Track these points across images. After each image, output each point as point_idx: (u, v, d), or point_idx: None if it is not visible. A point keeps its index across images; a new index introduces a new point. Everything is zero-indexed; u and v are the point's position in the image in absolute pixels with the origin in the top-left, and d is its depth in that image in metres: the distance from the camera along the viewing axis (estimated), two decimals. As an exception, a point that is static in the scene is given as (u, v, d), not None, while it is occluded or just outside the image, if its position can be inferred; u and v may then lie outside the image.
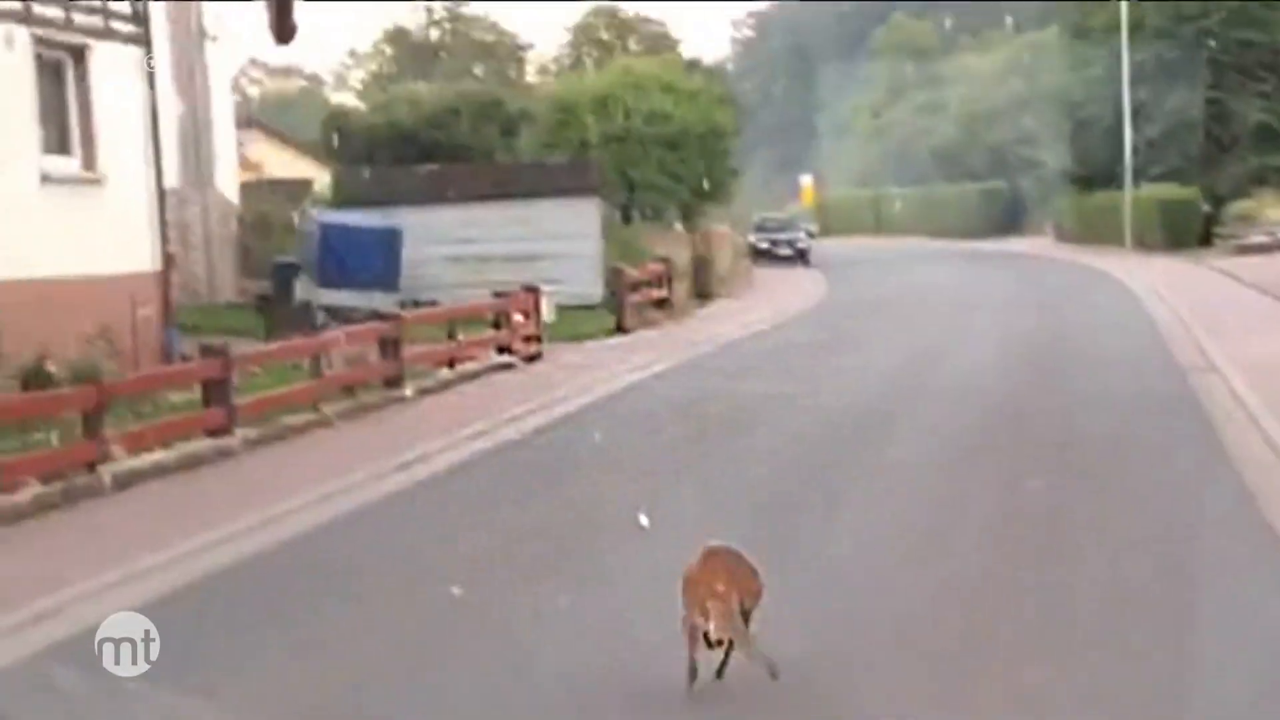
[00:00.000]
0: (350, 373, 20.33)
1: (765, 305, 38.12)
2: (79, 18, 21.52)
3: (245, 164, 44.35)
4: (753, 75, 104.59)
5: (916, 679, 8.26)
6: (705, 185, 49.85)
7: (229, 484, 15.46)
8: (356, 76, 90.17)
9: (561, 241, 35.01)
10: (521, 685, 8.36)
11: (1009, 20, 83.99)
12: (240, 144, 43.86)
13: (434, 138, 49.52)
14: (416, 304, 30.36)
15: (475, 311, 25.82)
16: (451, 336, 23.67)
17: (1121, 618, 9.31)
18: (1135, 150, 56.49)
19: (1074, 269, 48.73)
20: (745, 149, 62.85)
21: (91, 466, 14.71)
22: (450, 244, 34.69)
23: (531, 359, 25.78)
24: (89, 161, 21.81)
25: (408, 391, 21.14)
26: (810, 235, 62.41)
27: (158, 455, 15.77)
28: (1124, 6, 55.75)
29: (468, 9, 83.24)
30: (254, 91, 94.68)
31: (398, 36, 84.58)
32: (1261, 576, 10.09)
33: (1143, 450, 15.37)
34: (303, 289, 31.02)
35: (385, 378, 21.05)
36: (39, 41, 20.71)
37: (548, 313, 30.04)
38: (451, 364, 23.32)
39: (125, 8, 22.61)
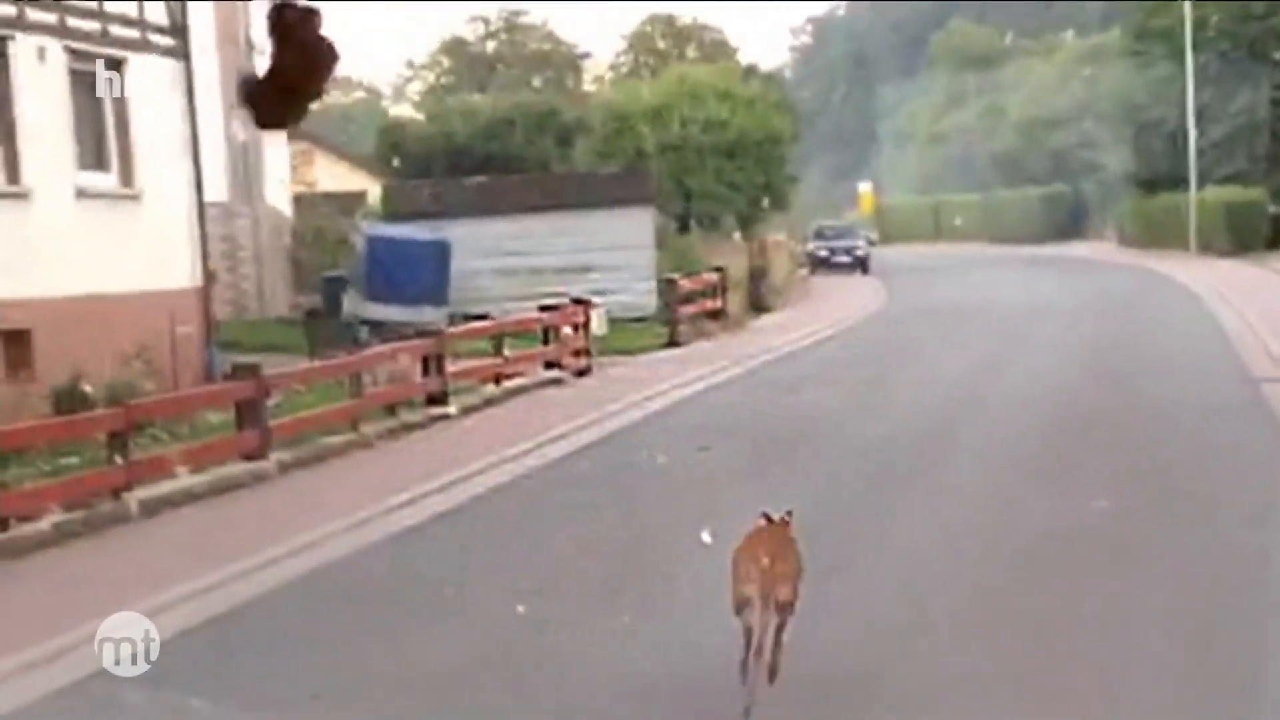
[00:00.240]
0: (391, 391, 19.77)
1: (823, 315, 37.38)
2: (115, 30, 21.10)
3: (299, 177, 44.08)
4: (811, 82, 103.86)
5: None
6: (763, 194, 49.36)
7: (260, 511, 14.92)
8: (414, 88, 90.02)
9: (614, 253, 34.44)
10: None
11: (1069, 33, 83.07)
12: (293, 157, 43.64)
13: (489, 149, 49.27)
14: (467, 318, 29.79)
15: (523, 325, 25.25)
16: (498, 351, 23.08)
17: (1193, 658, 8.66)
18: (1199, 152, 55.50)
19: (1138, 273, 47.81)
20: (803, 157, 62.28)
21: (117, 493, 14.19)
22: (500, 256, 34.18)
23: (581, 374, 25.21)
24: (126, 177, 21.38)
25: (451, 409, 20.58)
26: (870, 243, 61.59)
27: (189, 480, 15.25)
28: (1187, 7, 54.76)
29: (525, 19, 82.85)
30: (313, 105, 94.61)
31: (455, 47, 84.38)
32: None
33: (1220, 471, 14.55)
34: (350, 304, 30.58)
35: (428, 395, 20.50)
36: (74, 55, 20.27)
37: (598, 325, 29.47)
38: (498, 380, 22.74)
39: (163, 20, 22.18)
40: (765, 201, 49.79)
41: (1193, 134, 55.16)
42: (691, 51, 75.69)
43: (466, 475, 16.03)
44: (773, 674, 7.70)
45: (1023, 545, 11.94)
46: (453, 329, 23.33)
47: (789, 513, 8.19)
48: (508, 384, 22.88)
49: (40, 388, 18.60)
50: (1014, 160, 78.60)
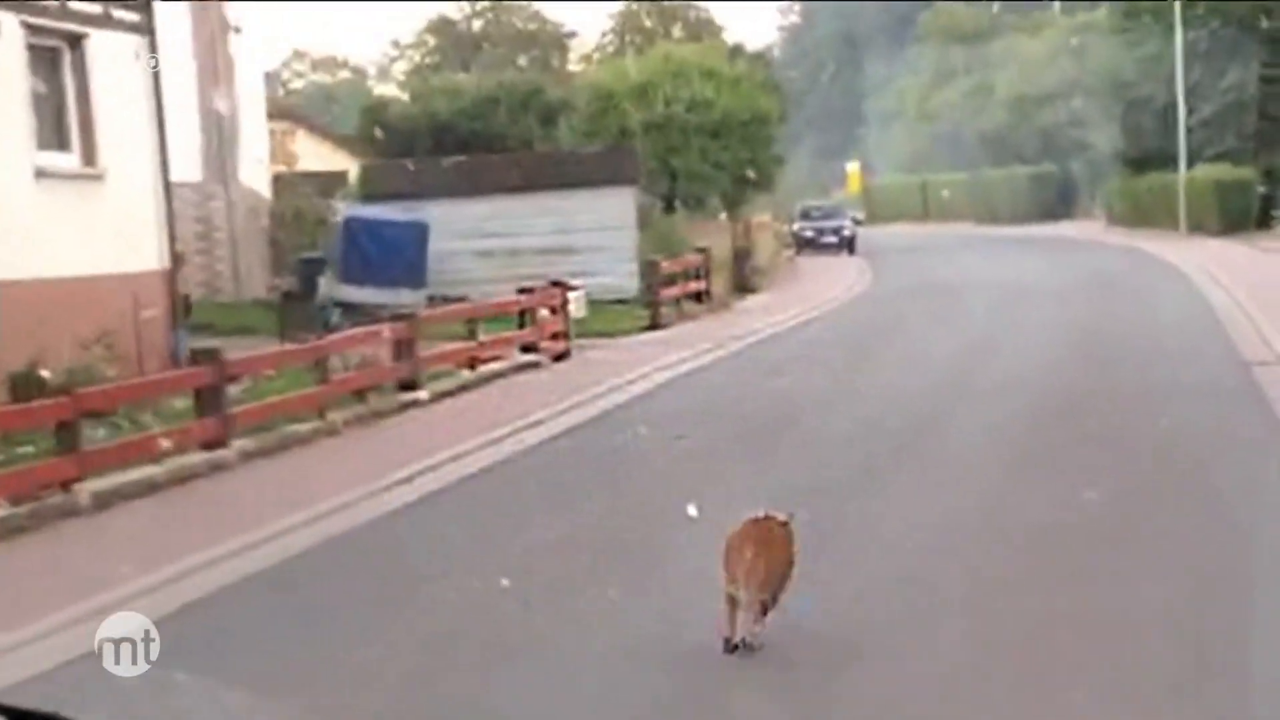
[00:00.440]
0: (360, 376, 19.19)
1: (808, 296, 36.87)
2: (76, 5, 20.43)
3: (279, 157, 43.56)
4: (799, 62, 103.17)
5: None
6: (749, 173, 48.89)
7: (216, 502, 14.35)
8: (400, 68, 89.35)
9: (595, 234, 33.88)
10: None
11: (1056, 7, 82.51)
12: (273, 136, 43.14)
13: (472, 128, 48.71)
14: (446, 300, 29.31)
15: (499, 308, 24.68)
16: (471, 335, 22.50)
17: (1186, 655, 8.15)
18: (1189, 131, 54.99)
19: (1127, 254, 47.31)
20: (791, 136, 61.73)
21: (67, 485, 13.60)
22: (480, 238, 33.63)
23: (559, 357, 24.65)
24: (89, 156, 20.71)
25: (423, 395, 20.01)
26: (856, 223, 61.10)
27: (146, 471, 14.67)
28: (1176, -16, 54.28)
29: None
30: (298, 84, 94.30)
31: (441, 27, 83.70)
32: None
33: (1211, 459, 14.01)
34: (326, 286, 30.04)
35: (399, 381, 19.92)
36: (31, 30, 19.61)
37: (579, 308, 28.95)
38: (473, 365, 22.17)
39: (127, -7, 21.54)
40: (751, 179, 49.24)
41: (1182, 111, 54.63)
42: (678, 30, 75.07)
43: (435, 464, 15.48)
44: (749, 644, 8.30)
45: (1011, 537, 11.43)
46: (424, 312, 22.70)
47: (791, 515, 8.74)
48: (483, 369, 22.29)
49: (-2, 373, 18.01)
50: (1002, 139, 78.06)
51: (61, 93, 20.47)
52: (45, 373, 17.89)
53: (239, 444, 16.13)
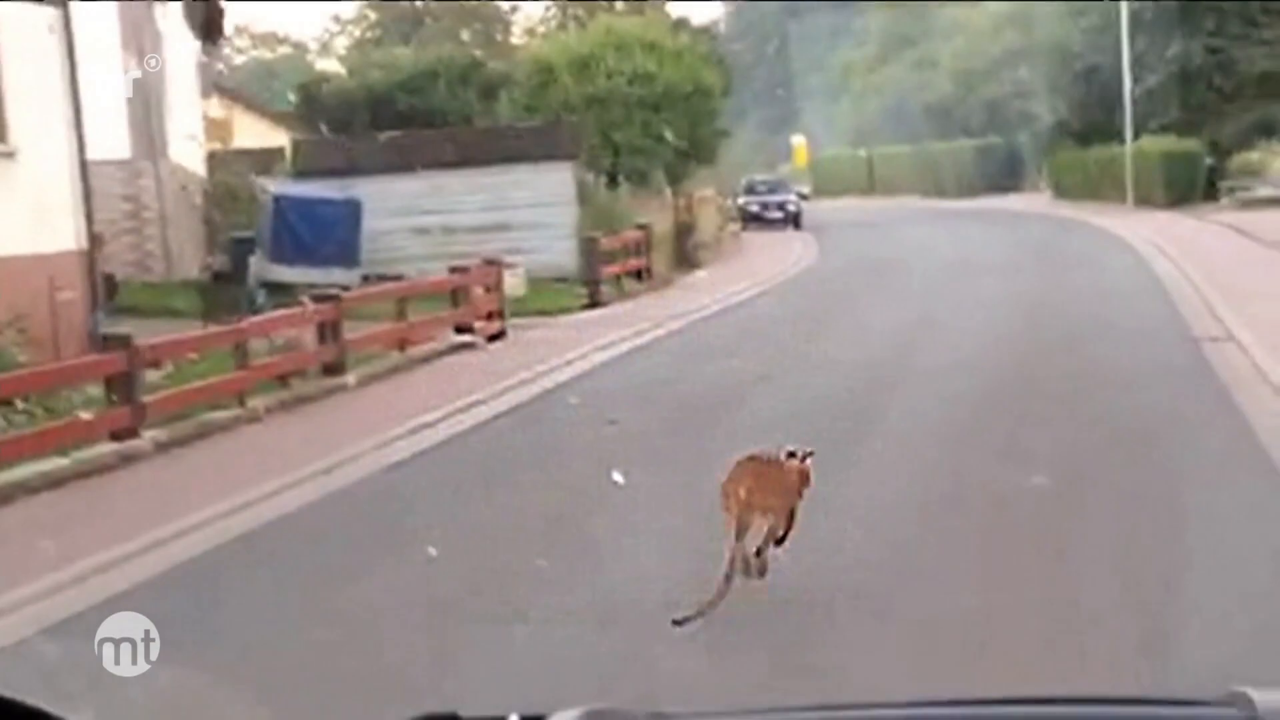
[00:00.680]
0: (282, 361, 18.48)
1: (752, 272, 36.30)
2: (-22, -28, 19.63)
3: (214, 133, 42.77)
4: (745, 35, 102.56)
5: None
6: (692, 147, 48.36)
7: (121, 497, 13.62)
8: (341, 43, 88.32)
9: (534, 210, 33.18)
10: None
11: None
12: (208, 113, 42.37)
13: (411, 104, 48.04)
14: (382, 279, 28.61)
15: (431, 288, 23.99)
16: (401, 316, 21.79)
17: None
18: (1135, 102, 54.58)
19: (1074, 227, 46.89)
20: (738, 111, 61.18)
21: (-43, 482, 12.90)
22: (416, 215, 32.90)
23: (494, 337, 23.99)
24: (-1, 134, 19.94)
25: (350, 379, 19.32)
26: (802, 197, 60.60)
27: (49, 464, 13.96)
28: (1121, -48, 53.81)
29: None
30: (239, 59, 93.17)
31: (382, 1, 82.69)
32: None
33: (1161, 442, 13.43)
34: (257, 266, 29.31)
35: (324, 364, 19.22)
36: (-72, -1, 18.83)
37: (517, 286, 28.36)
38: (403, 346, 21.48)
39: (35, -38, 20.71)
40: (694, 153, 48.66)
41: (1128, 83, 54.19)
42: (621, 4, 74.33)
43: (357, 453, 14.83)
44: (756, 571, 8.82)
45: (954, 528, 10.86)
46: (350, 293, 21.97)
47: (810, 452, 9.27)
48: (413, 351, 21.62)
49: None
50: (947, 111, 77.59)
51: (-39, 67, 19.67)
52: (-51, 360, 17.18)
53: (152, 433, 15.42)
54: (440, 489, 13.48)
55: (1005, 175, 73.57)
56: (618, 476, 11.58)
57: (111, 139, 30.97)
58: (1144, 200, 52.13)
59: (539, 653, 8.24)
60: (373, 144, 35.51)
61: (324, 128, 45.55)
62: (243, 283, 28.79)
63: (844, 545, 10.16)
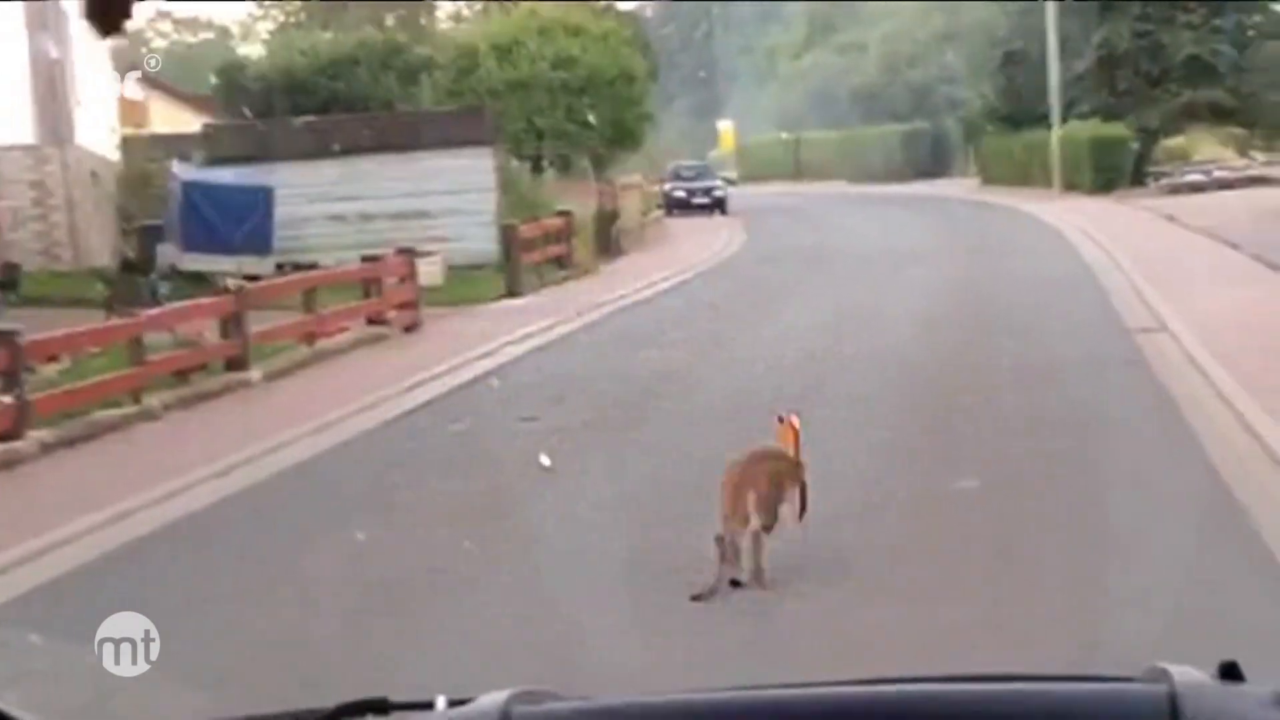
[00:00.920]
0: (180, 356, 17.68)
1: (677, 259, 35.65)
2: None
3: (128, 118, 41.81)
4: (673, 20, 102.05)
5: None
6: (617, 133, 47.82)
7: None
8: (265, 27, 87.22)
9: (452, 197, 32.42)
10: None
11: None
12: (123, 97, 41.44)
13: (331, 89, 47.22)
14: (297, 267, 27.84)
15: (342, 278, 23.23)
16: (310, 308, 21.01)
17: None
18: (1062, 87, 54.28)
19: (1002, 213, 46.48)
20: (667, 96, 60.77)
21: None
22: (332, 202, 32.12)
23: (409, 329, 23.26)
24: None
25: (254, 374, 18.53)
26: (730, 182, 60.17)
27: (-75, 468, 13.20)
28: (1046, -66, 53.42)
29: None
30: (161, 44, 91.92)
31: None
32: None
33: (1096, 441, 12.79)
34: (166, 255, 28.50)
35: (227, 359, 18.43)
36: None
37: (435, 274, 27.65)
38: (312, 339, 20.70)
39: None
40: (620, 139, 48.07)
41: (1055, 67, 53.86)
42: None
43: (255, 455, 14.09)
44: (754, 576, 8.79)
45: (877, 541, 10.23)
46: (256, 284, 21.13)
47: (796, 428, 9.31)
48: (323, 344, 20.85)
49: None
50: (874, 96, 77.25)
51: None
52: None
53: (38, 434, 14.63)
54: (340, 493, 12.78)
55: (933, 161, 73.24)
56: (544, 460, 11.50)
57: (15, 124, 30.10)
58: (1072, 186, 51.82)
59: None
60: (288, 129, 34.70)
61: (247, 112, 44.64)
62: (152, 272, 28.03)
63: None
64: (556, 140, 46.50)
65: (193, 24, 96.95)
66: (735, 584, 8.72)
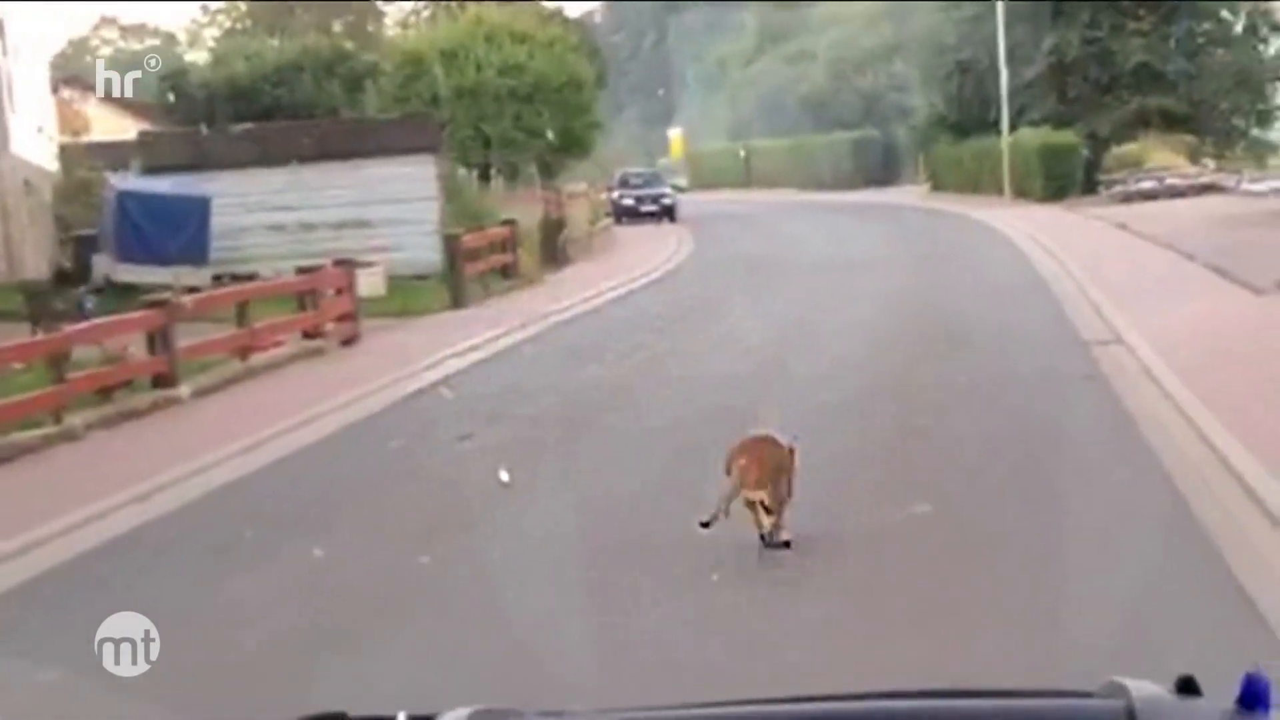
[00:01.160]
0: (104, 373, 17.03)
1: (624, 269, 35.12)
2: None
3: (67, 126, 41.14)
4: (622, 28, 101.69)
5: None
6: (565, 140, 47.41)
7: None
8: (211, 34, 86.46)
9: (395, 206, 31.85)
10: None
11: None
12: (61, 104, 40.84)
13: (275, 96, 46.69)
14: (235, 278, 27.28)
15: (277, 290, 22.60)
16: (243, 321, 20.37)
17: None
18: (1012, 94, 54.05)
19: (952, 221, 46.07)
20: (616, 103, 60.38)
21: None
22: (272, 211, 31.52)
23: (347, 342, 22.66)
24: None
25: (183, 391, 17.91)
26: (678, 190, 59.76)
27: None
28: (996, -57, 53.15)
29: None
30: (106, 51, 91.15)
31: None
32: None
33: (1055, 462, 12.27)
34: (100, 266, 27.84)
35: (154, 375, 17.79)
36: None
37: (377, 285, 27.09)
38: (245, 354, 20.07)
39: None
40: (567, 146, 47.61)
41: (1004, 75, 53.63)
42: (494, -4, 73.09)
43: (180, 476, 13.50)
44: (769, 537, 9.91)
45: (824, 573, 9.71)
46: (182, 299, 20.47)
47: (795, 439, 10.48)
48: (256, 359, 20.23)
49: None
50: (824, 104, 76.94)
51: None
52: None
53: (-51, 457, 14.02)
54: (268, 518, 12.18)
55: (882, 169, 72.99)
56: (503, 475, 11.54)
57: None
58: (1022, 193, 51.57)
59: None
60: (228, 137, 34.07)
61: (191, 120, 43.98)
62: (87, 283, 27.39)
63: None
64: (504, 148, 46.07)
65: (139, 30, 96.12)
66: (764, 540, 9.83)
